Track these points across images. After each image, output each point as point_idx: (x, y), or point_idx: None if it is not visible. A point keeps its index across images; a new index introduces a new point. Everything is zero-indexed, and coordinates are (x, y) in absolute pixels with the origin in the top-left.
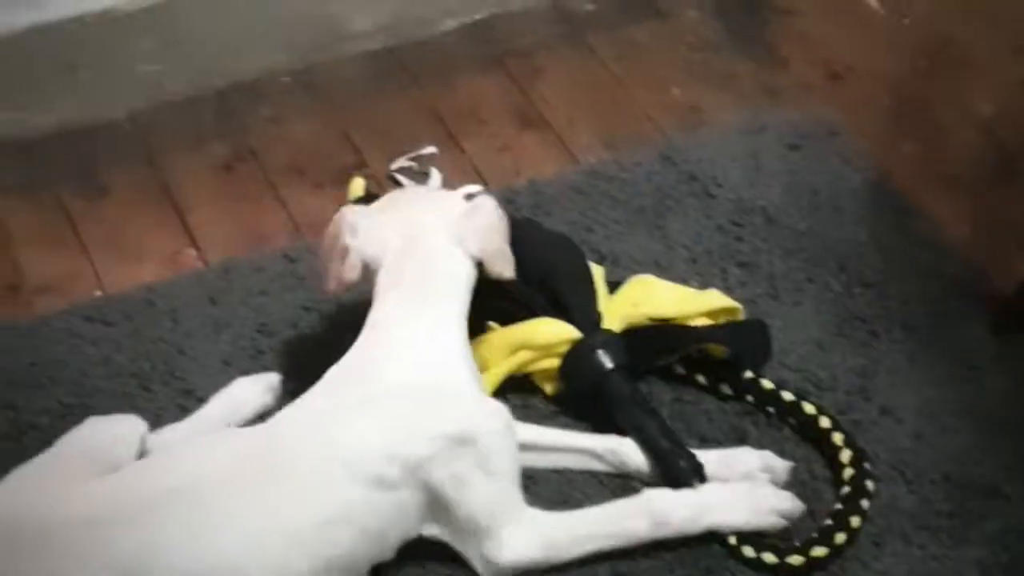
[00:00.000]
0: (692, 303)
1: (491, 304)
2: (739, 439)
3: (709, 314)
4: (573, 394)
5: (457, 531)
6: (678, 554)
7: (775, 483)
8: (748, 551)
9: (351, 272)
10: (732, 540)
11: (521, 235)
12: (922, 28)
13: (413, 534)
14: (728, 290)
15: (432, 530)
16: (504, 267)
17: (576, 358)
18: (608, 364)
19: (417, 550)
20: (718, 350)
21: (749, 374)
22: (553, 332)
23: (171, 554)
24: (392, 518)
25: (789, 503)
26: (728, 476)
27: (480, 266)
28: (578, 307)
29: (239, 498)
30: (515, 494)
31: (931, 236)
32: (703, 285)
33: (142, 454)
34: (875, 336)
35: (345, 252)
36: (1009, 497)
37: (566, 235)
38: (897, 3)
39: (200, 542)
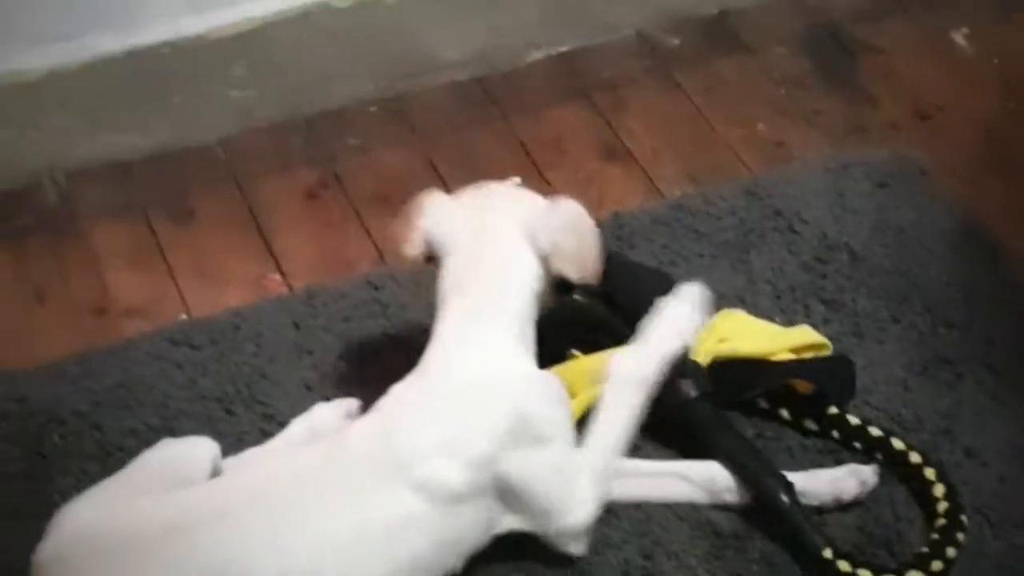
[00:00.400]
0: (780, 339)
1: (577, 334)
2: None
3: (794, 349)
4: (659, 421)
5: (531, 515)
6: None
7: (864, 489)
8: (844, 566)
9: (411, 249)
10: (827, 554)
11: (613, 267)
12: (1012, 68)
13: (484, 540)
14: (812, 327)
15: (503, 526)
16: (572, 269)
17: (662, 386)
18: (693, 392)
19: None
20: (803, 386)
21: (833, 410)
22: None
23: (250, 557)
24: (461, 524)
25: (855, 467)
26: (817, 486)
27: (569, 288)
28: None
29: (313, 503)
30: (572, 453)
31: (1018, 277)
32: (786, 322)
33: (215, 475)
34: (960, 377)
35: (412, 229)
36: None
37: (661, 270)
38: (987, 43)
39: (277, 545)
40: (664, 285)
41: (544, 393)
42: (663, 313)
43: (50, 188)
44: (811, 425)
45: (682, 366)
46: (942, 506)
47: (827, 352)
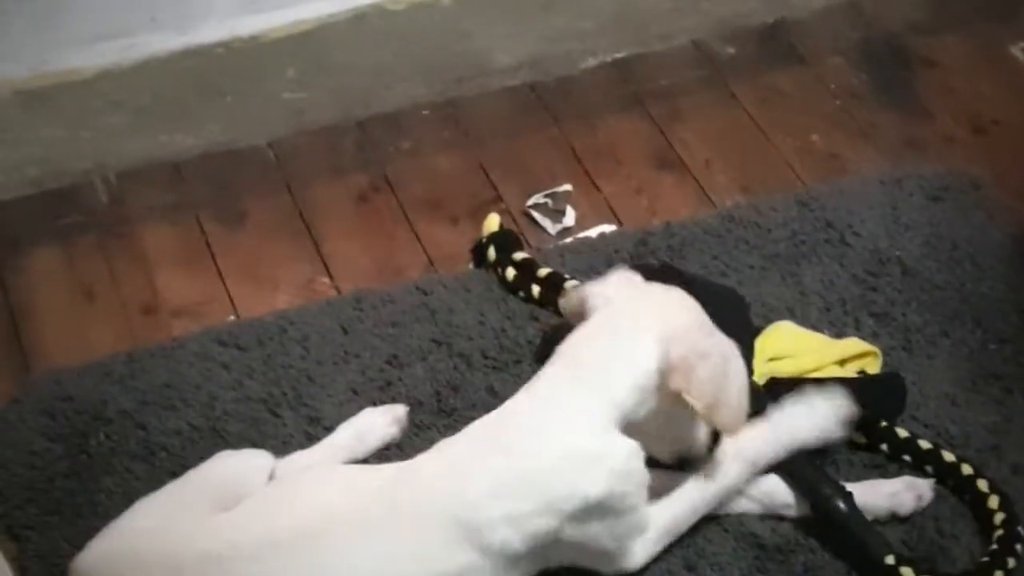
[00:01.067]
0: (830, 351)
1: None
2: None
3: (844, 360)
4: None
5: (588, 558)
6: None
7: (920, 504)
8: (907, 572)
9: (567, 304)
10: (890, 560)
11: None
12: None
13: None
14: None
15: (553, 563)
16: (697, 401)
17: None
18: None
19: None
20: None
21: (883, 423)
22: None
23: None
24: (514, 573)
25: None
26: (875, 499)
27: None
28: None
29: (361, 543)
30: (639, 516)
31: None
32: (836, 334)
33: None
34: (1009, 393)
35: (583, 290)
36: None
37: (733, 289)
38: None
39: None
40: (733, 302)
41: (621, 473)
42: (806, 403)
43: (100, 187)
44: (859, 438)
45: None
46: (999, 517)
47: (876, 360)
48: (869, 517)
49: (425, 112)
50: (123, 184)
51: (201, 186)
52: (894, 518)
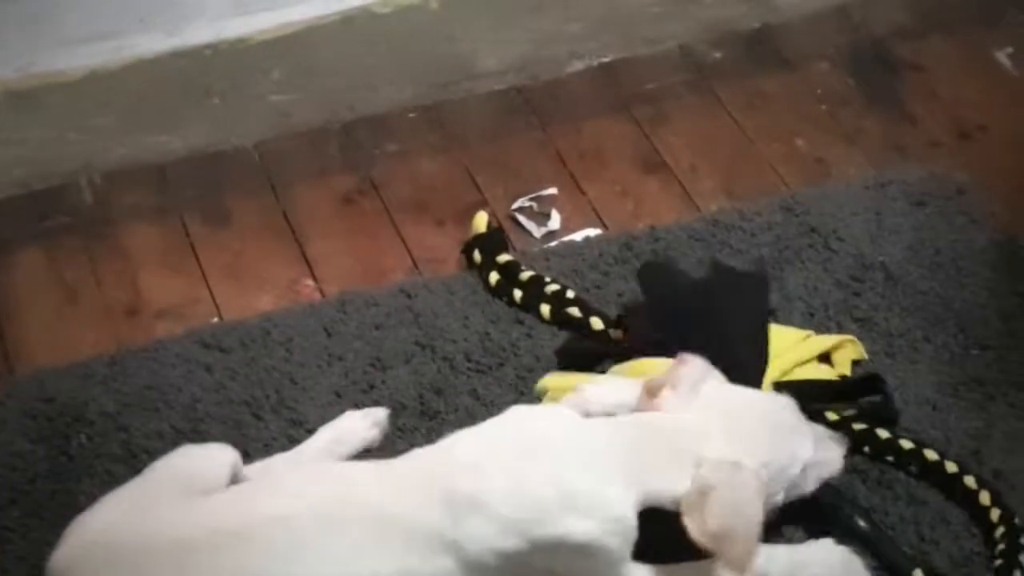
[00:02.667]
0: (807, 346)
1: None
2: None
3: (829, 351)
4: None
5: None
6: None
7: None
8: None
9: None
10: (918, 574)
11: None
12: None
13: None
14: None
15: None
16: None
17: None
18: None
19: None
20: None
21: (863, 426)
22: None
23: None
24: None
25: None
26: None
27: None
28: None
29: (335, 534)
30: (621, 568)
31: None
32: None
33: (235, 483)
34: (991, 399)
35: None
36: None
37: (756, 284)
38: None
39: (292, 573)
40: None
41: (610, 525)
42: (827, 552)
43: (86, 188)
44: (867, 450)
45: None
46: (995, 513)
47: (855, 346)
48: None
49: (411, 115)
50: (108, 185)
51: (186, 187)
52: None
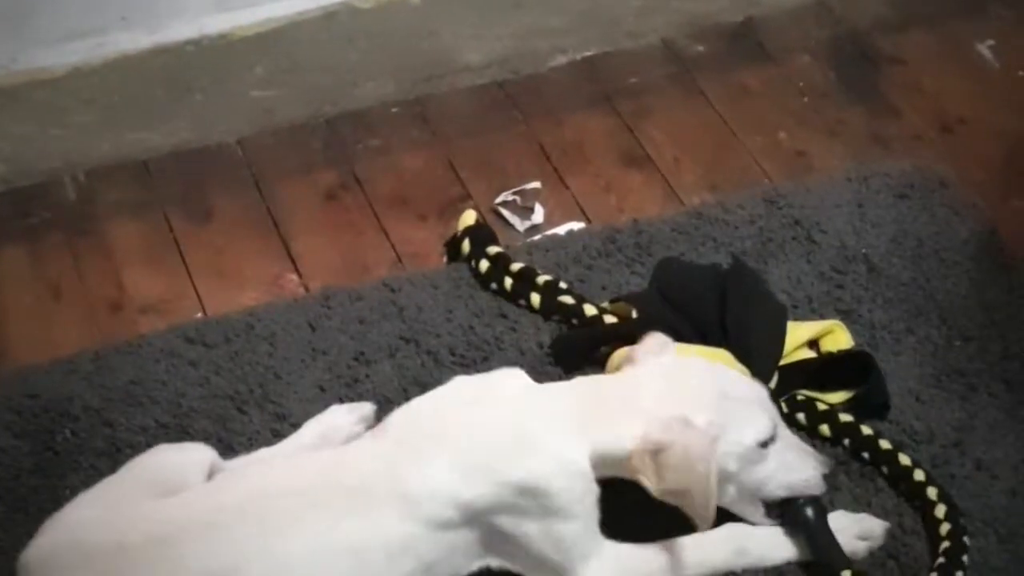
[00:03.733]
0: (796, 333)
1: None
2: (831, 487)
3: (814, 341)
4: None
5: (530, 566)
6: None
7: (872, 547)
8: None
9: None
10: (846, 575)
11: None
12: None
13: (474, 567)
14: None
15: (496, 562)
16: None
17: None
18: None
19: None
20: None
21: (849, 418)
22: (728, 362)
23: (239, 570)
24: (450, 553)
25: (869, 524)
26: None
27: None
28: (755, 360)
29: (307, 516)
30: (589, 534)
31: None
32: None
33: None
34: (973, 390)
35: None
36: None
37: (772, 298)
38: (1012, 55)
39: (267, 559)
40: (770, 309)
41: (568, 472)
42: (831, 522)
43: (69, 185)
44: (825, 430)
45: None
46: (944, 528)
47: (842, 331)
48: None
49: (394, 110)
50: (92, 182)
51: (169, 184)
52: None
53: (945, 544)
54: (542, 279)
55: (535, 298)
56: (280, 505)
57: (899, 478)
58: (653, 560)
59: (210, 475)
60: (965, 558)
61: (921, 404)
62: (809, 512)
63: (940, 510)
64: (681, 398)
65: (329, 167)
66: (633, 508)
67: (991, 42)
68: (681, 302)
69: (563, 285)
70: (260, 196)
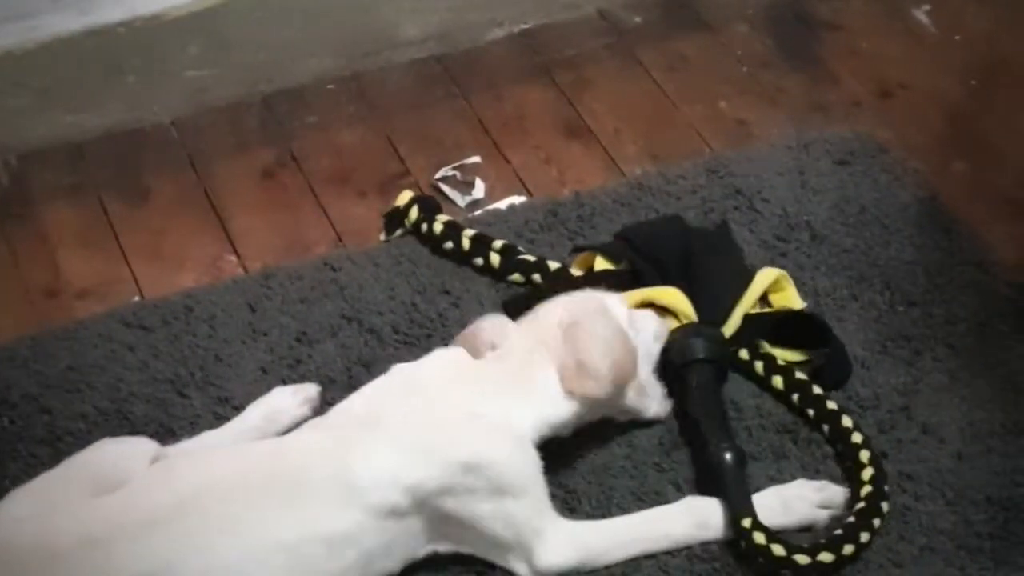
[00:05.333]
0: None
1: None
2: (779, 455)
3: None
4: (664, 368)
5: (484, 547)
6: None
7: (834, 515)
8: (759, 537)
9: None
10: (746, 523)
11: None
12: (975, 47)
13: (420, 554)
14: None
15: (446, 547)
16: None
17: (676, 337)
18: (700, 354)
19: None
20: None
21: (803, 376)
22: (677, 299)
23: (176, 570)
24: (395, 542)
25: (830, 493)
26: (787, 521)
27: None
28: (707, 301)
29: (245, 511)
30: (539, 509)
31: (978, 256)
32: None
33: None
34: (919, 355)
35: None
36: None
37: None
38: (948, 20)
39: (205, 556)
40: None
41: (510, 447)
42: (788, 490)
43: (2, 170)
44: (778, 383)
45: (701, 326)
46: (865, 489)
47: (787, 281)
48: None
49: (330, 86)
50: (25, 166)
51: (104, 166)
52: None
53: (861, 504)
54: (499, 242)
55: (494, 258)
56: (218, 501)
57: (837, 438)
58: (611, 535)
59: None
60: (876, 521)
61: (866, 370)
62: (727, 457)
63: (866, 473)
64: (576, 342)
65: (266, 145)
66: (591, 484)
67: (927, 7)
68: (646, 249)
69: (520, 248)
70: (196, 176)
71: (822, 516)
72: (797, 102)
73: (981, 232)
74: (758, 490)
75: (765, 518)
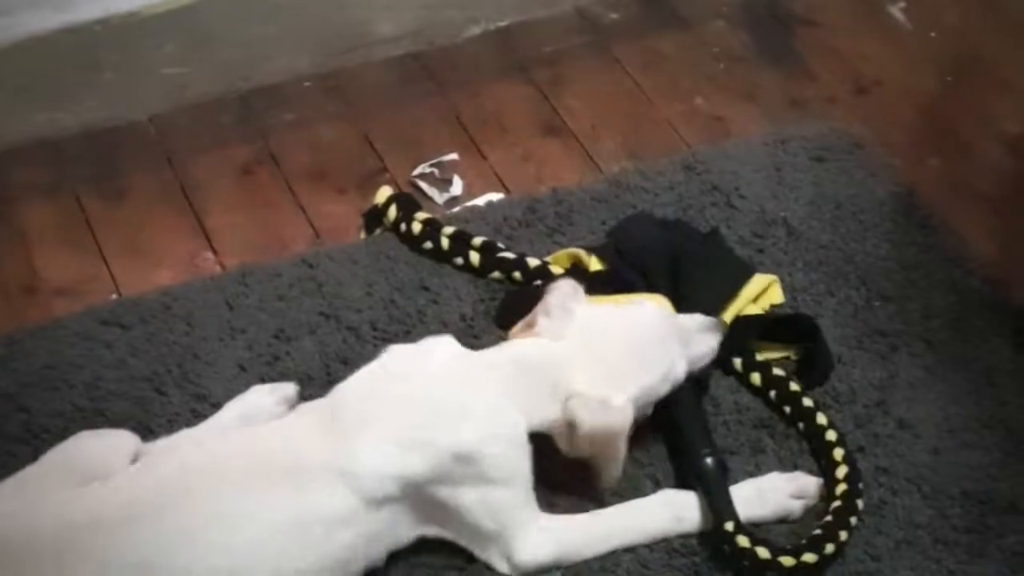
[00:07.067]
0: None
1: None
2: (756, 450)
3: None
4: None
5: (467, 536)
6: None
7: (807, 505)
8: (743, 541)
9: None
10: (729, 527)
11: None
12: (950, 43)
13: (410, 538)
14: None
15: (433, 532)
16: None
17: None
18: None
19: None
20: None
21: (781, 372)
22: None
23: (165, 554)
24: (389, 526)
25: (803, 483)
26: (763, 513)
27: None
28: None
29: (235, 496)
30: (523, 502)
31: (954, 251)
32: None
33: None
34: (895, 350)
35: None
36: None
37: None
38: (924, 16)
39: (195, 541)
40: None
41: (503, 436)
42: (762, 482)
43: None
44: (756, 379)
45: None
46: (840, 487)
47: (776, 287)
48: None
49: (307, 84)
50: (2, 163)
51: (81, 164)
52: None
53: (836, 503)
54: (478, 240)
55: (474, 257)
56: (205, 486)
57: (812, 436)
58: (590, 529)
59: (134, 462)
60: (854, 520)
61: (843, 365)
62: (709, 462)
63: (841, 471)
64: (603, 370)
65: (244, 143)
66: (566, 477)
67: (903, 3)
68: (633, 251)
69: (500, 245)
70: (174, 174)
71: (796, 506)
72: (773, 98)
73: (957, 227)
74: (735, 483)
75: (742, 510)
